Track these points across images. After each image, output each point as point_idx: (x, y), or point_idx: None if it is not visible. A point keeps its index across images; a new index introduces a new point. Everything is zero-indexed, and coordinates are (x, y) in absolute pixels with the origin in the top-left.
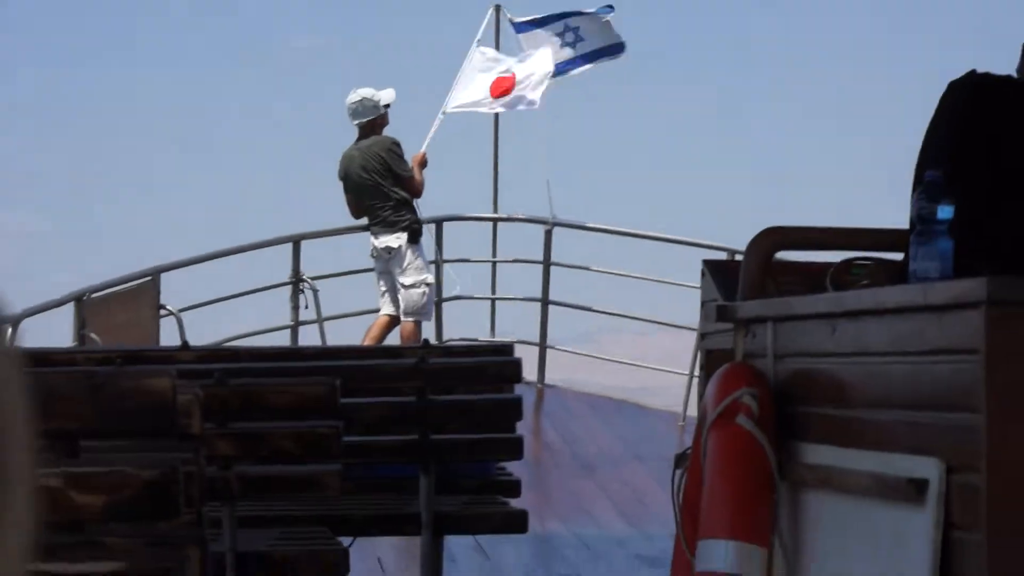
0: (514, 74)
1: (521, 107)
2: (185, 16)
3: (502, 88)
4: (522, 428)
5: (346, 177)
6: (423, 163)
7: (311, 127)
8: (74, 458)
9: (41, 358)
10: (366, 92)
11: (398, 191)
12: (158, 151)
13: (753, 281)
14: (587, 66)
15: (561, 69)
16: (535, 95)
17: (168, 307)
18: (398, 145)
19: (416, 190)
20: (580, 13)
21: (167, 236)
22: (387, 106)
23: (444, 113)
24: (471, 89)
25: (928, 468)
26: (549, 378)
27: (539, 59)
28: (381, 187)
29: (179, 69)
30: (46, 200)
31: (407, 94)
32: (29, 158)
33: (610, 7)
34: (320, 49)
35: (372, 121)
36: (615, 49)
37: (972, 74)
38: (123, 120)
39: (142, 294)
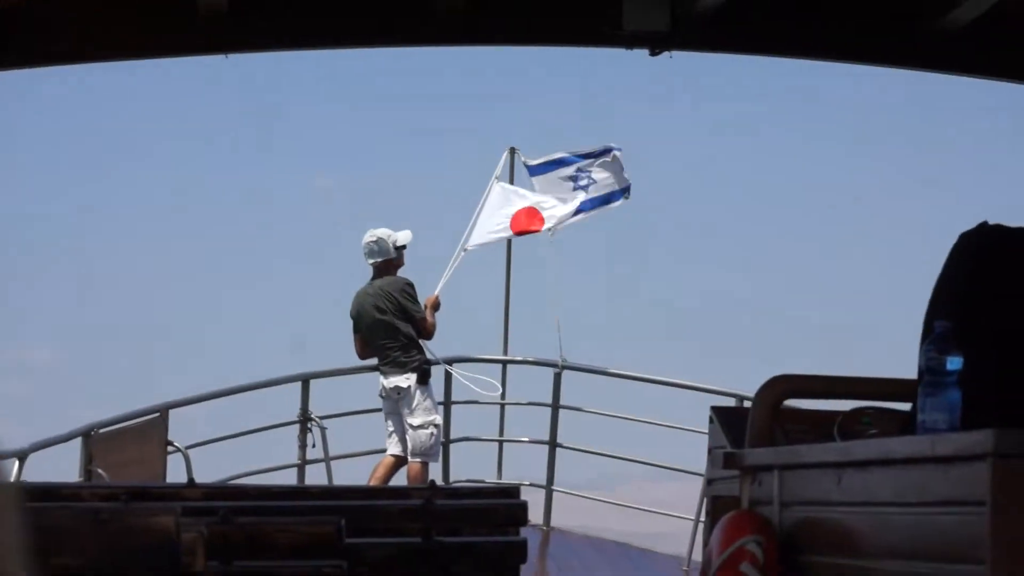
0: (542, 217)
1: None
2: (204, 157)
3: (526, 222)
4: (527, 571)
5: (358, 316)
6: (436, 306)
7: (324, 266)
8: None
9: (46, 493)
10: (382, 232)
11: (409, 331)
12: (172, 285)
13: (760, 429)
14: (596, 211)
15: (571, 215)
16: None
17: (176, 444)
18: (412, 286)
19: (428, 332)
20: (590, 155)
21: (176, 372)
22: (403, 247)
23: (465, 250)
24: (491, 224)
25: None
26: (557, 521)
27: (561, 208)
28: (393, 327)
29: (196, 205)
30: (62, 336)
31: (423, 234)
32: (45, 294)
33: (616, 148)
34: (341, 188)
35: (387, 261)
36: (623, 192)
37: (983, 225)
38: (137, 253)
39: (150, 430)
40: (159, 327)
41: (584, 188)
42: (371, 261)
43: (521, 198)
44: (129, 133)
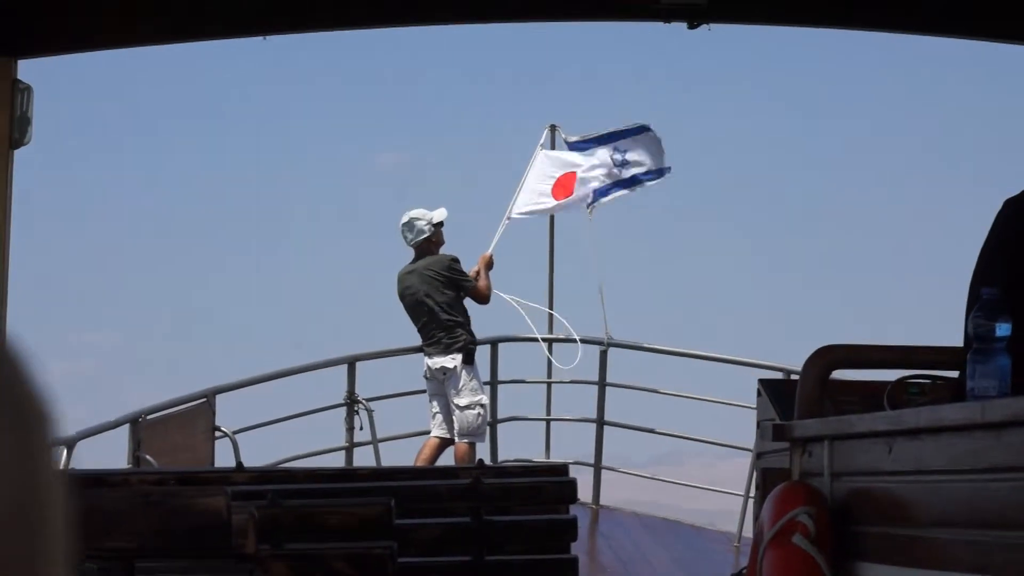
0: (575, 172)
1: (580, 202)
2: (266, 143)
3: (563, 188)
4: (577, 549)
5: (401, 297)
6: (490, 265)
7: (373, 246)
8: None
9: (96, 480)
10: (417, 213)
11: (453, 311)
12: (234, 267)
13: (809, 399)
14: (629, 191)
15: (606, 191)
16: (588, 197)
17: (223, 428)
18: (457, 262)
19: (484, 296)
20: (626, 133)
21: (224, 356)
22: (440, 224)
23: (509, 218)
24: (535, 193)
25: None
26: (606, 500)
27: (597, 166)
28: (437, 307)
29: (261, 187)
30: (119, 319)
31: (475, 206)
32: (116, 277)
33: (647, 127)
34: (404, 165)
35: (427, 240)
36: (661, 172)
37: None
38: (200, 235)
39: (197, 416)
40: (220, 310)
41: (620, 167)
42: (411, 243)
43: (563, 165)
44: (188, 114)
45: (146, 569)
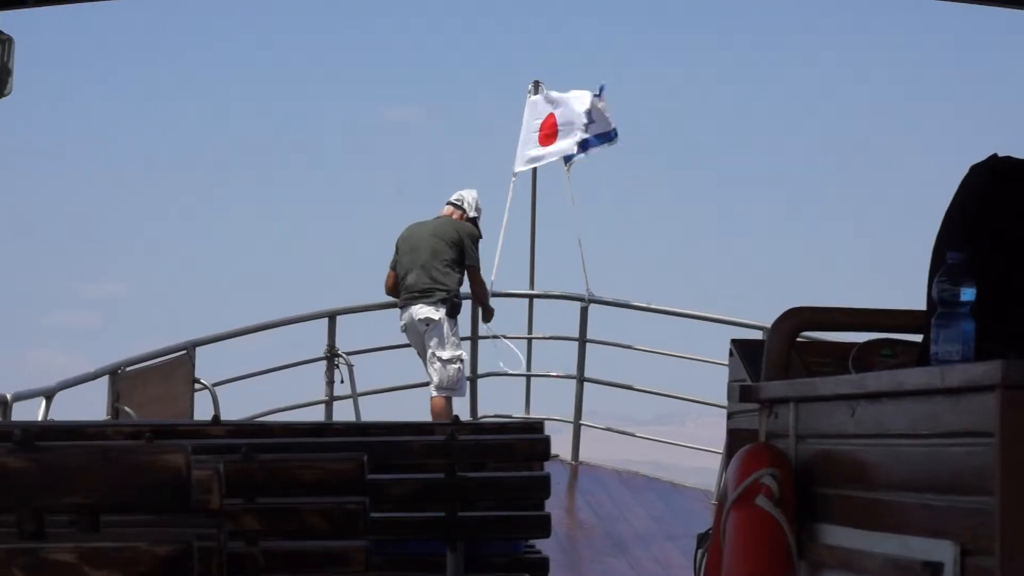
0: (553, 115)
1: (569, 150)
2: (274, 95)
3: (547, 135)
4: (555, 506)
5: (405, 239)
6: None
7: (357, 203)
8: (95, 532)
9: (72, 432)
10: (476, 194)
11: (453, 265)
12: (243, 221)
13: (776, 361)
14: (597, 148)
15: (584, 147)
16: (571, 143)
17: (203, 381)
18: (478, 239)
19: (482, 290)
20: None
21: (206, 308)
22: (476, 217)
23: (515, 175)
24: (527, 145)
25: (943, 551)
26: (587, 456)
27: (575, 107)
28: (440, 256)
29: (269, 140)
30: (121, 268)
31: (479, 160)
32: (103, 228)
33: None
34: (412, 119)
35: (460, 209)
36: (612, 135)
37: (993, 158)
38: (206, 185)
39: (177, 368)
40: (224, 264)
41: (585, 128)
42: (453, 199)
43: (543, 109)
44: (198, 64)
45: (112, 523)
